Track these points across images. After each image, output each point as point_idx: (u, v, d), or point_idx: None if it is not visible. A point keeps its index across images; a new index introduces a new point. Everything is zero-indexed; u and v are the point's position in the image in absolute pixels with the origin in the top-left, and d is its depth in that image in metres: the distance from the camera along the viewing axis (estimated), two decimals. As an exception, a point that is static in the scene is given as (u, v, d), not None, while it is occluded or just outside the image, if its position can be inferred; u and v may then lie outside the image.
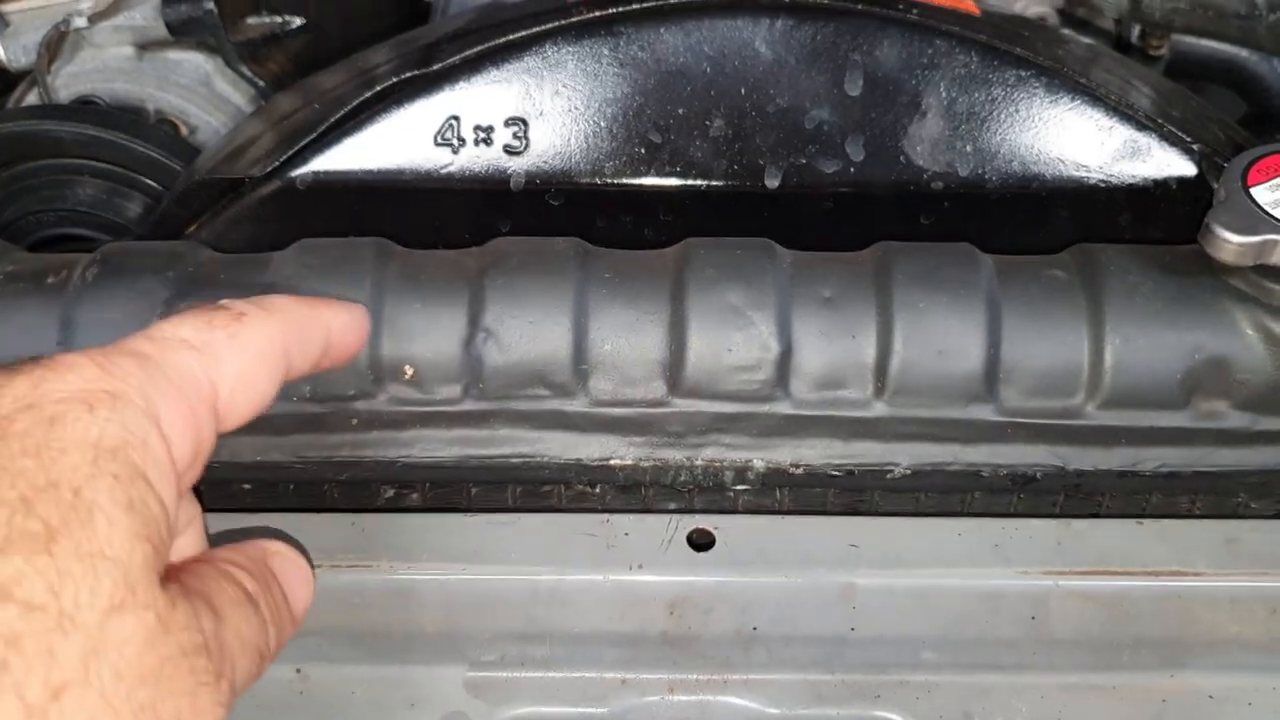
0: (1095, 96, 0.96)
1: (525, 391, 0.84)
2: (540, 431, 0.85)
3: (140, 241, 0.95)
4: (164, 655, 0.48)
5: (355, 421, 0.85)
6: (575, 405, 0.85)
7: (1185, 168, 0.96)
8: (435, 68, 0.97)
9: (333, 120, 0.97)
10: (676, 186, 0.97)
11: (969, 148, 0.96)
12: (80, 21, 1.25)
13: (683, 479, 0.86)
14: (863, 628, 0.84)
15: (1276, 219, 0.80)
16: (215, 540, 0.64)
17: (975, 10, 1.07)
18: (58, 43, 1.28)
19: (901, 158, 0.96)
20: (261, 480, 0.87)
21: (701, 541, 0.86)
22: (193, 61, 1.32)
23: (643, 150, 0.96)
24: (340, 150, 0.97)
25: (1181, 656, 0.85)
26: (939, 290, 0.83)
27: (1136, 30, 1.42)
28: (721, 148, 0.96)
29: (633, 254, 0.87)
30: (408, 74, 0.97)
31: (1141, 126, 0.96)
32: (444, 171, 0.97)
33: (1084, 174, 0.96)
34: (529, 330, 0.83)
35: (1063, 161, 0.96)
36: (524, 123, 0.96)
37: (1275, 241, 0.79)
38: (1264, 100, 1.46)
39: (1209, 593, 0.84)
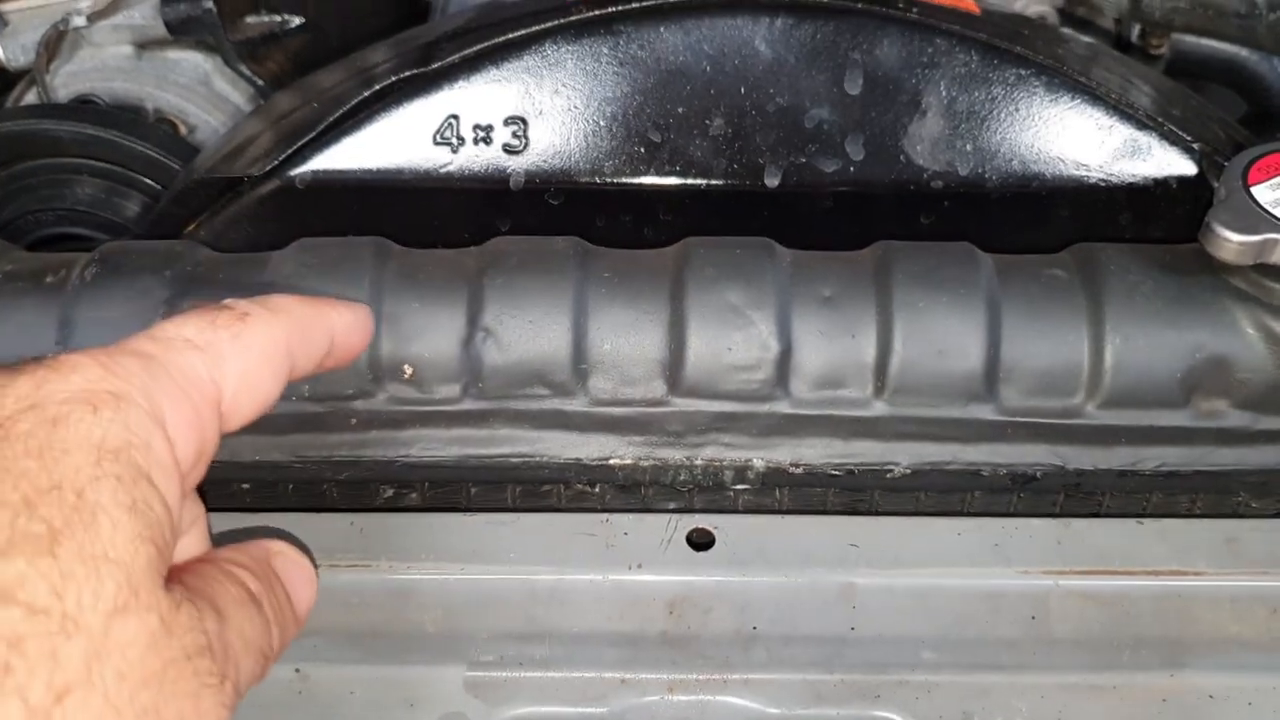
0: (1095, 95, 0.96)
1: (524, 391, 0.84)
2: (539, 431, 0.85)
3: (138, 241, 0.95)
4: (167, 657, 0.48)
5: (354, 421, 0.85)
6: (575, 405, 0.85)
7: (1185, 167, 0.96)
8: (434, 66, 0.97)
9: (331, 119, 0.97)
10: (676, 185, 0.97)
11: (969, 147, 0.96)
12: (79, 20, 1.25)
13: (682, 478, 0.86)
14: (862, 627, 0.84)
15: (1277, 218, 0.80)
16: (218, 540, 0.64)
17: (975, 9, 1.06)
18: (56, 42, 1.28)
19: (901, 157, 0.96)
20: (260, 480, 0.87)
21: (701, 541, 0.86)
22: (191, 60, 1.32)
23: (642, 149, 0.96)
24: (339, 149, 0.97)
25: (1181, 656, 0.85)
26: (939, 289, 0.83)
27: (1137, 29, 1.42)
28: (721, 147, 0.96)
29: (632, 253, 0.87)
30: (407, 73, 0.97)
31: (1142, 125, 0.96)
32: (443, 171, 0.96)
33: (1084, 173, 0.96)
34: (528, 329, 0.83)
35: (1063, 160, 0.96)
36: (523, 122, 0.96)
37: (1276, 240, 0.79)
38: (1264, 99, 1.46)
39: (1209, 592, 0.84)
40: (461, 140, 0.96)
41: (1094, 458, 0.84)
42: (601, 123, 0.96)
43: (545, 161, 0.96)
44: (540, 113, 0.96)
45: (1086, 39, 1.37)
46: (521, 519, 0.86)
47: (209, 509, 0.65)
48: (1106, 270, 0.84)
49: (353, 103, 0.97)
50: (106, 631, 0.46)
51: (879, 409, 0.84)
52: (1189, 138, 0.96)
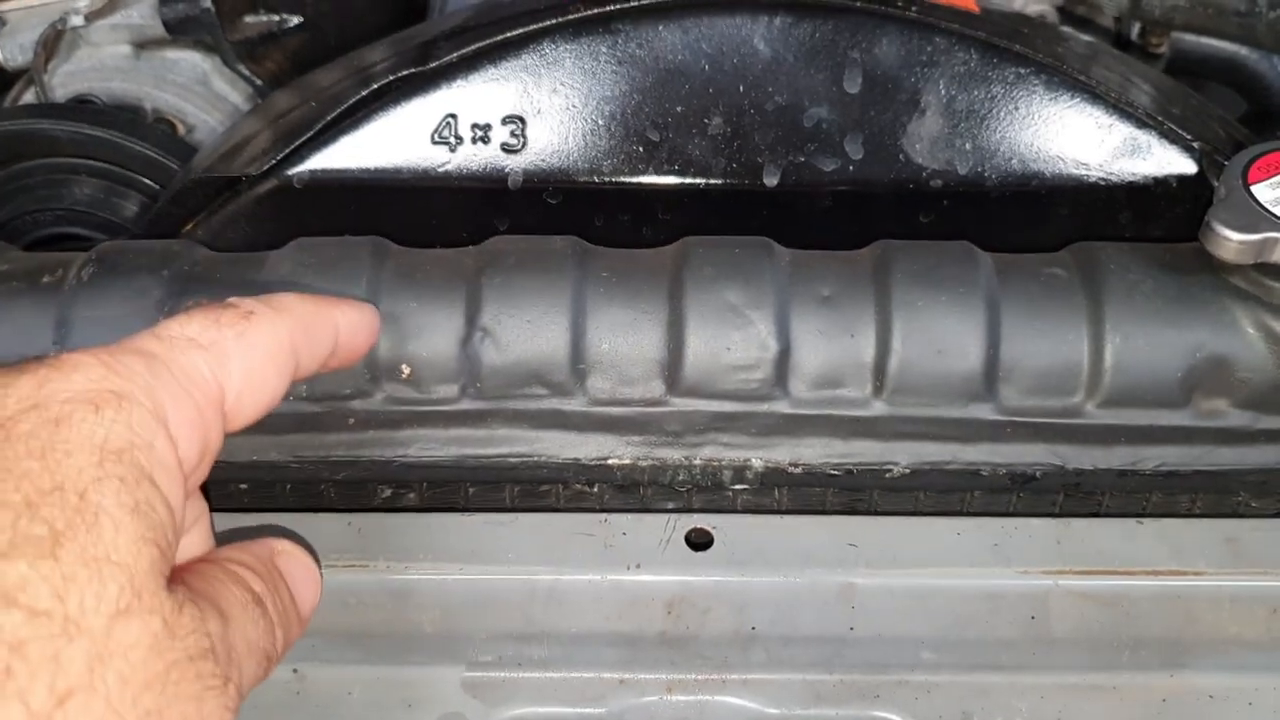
0: (1095, 94, 0.96)
1: (523, 391, 0.84)
2: (538, 431, 0.85)
3: (136, 240, 0.94)
4: (170, 660, 0.48)
5: (352, 421, 0.84)
6: (573, 404, 0.84)
7: (1185, 165, 0.96)
8: (432, 65, 0.97)
9: (329, 118, 0.97)
10: (675, 185, 0.97)
11: (968, 145, 0.96)
12: (77, 20, 1.25)
13: (681, 478, 0.86)
14: (862, 627, 0.84)
15: (1277, 217, 0.80)
16: (222, 539, 0.64)
17: (974, 7, 1.06)
18: (54, 41, 1.28)
19: (900, 156, 0.96)
20: (258, 480, 0.87)
21: (700, 541, 0.86)
22: (190, 60, 1.32)
23: (641, 148, 0.96)
24: (337, 148, 0.97)
25: (1181, 656, 0.85)
26: (938, 289, 0.83)
27: (1136, 28, 1.42)
28: (720, 146, 0.96)
29: (631, 253, 0.86)
30: (405, 72, 0.97)
31: (1141, 124, 0.96)
32: (441, 170, 0.96)
33: (1084, 172, 0.96)
34: (526, 329, 0.82)
35: (1062, 159, 0.96)
36: (522, 121, 0.96)
37: (1276, 239, 0.79)
38: (1264, 98, 1.46)
39: (1209, 592, 0.84)
40: (459, 139, 0.96)
41: (1094, 457, 0.84)
42: (600, 122, 0.96)
43: (543, 161, 0.96)
44: (539, 112, 0.96)
45: (1086, 37, 1.37)
46: (520, 519, 0.86)
47: (206, 509, 0.65)
48: (1106, 269, 0.84)
49: (350, 102, 0.97)
50: (109, 634, 0.46)
51: (878, 408, 0.84)
52: (1189, 136, 0.96)
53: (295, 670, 0.85)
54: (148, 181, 1.17)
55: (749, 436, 0.85)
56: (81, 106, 1.25)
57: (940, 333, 0.82)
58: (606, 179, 0.96)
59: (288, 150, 0.96)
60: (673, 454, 0.85)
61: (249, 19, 1.28)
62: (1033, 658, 0.85)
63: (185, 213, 1.00)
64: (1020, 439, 0.84)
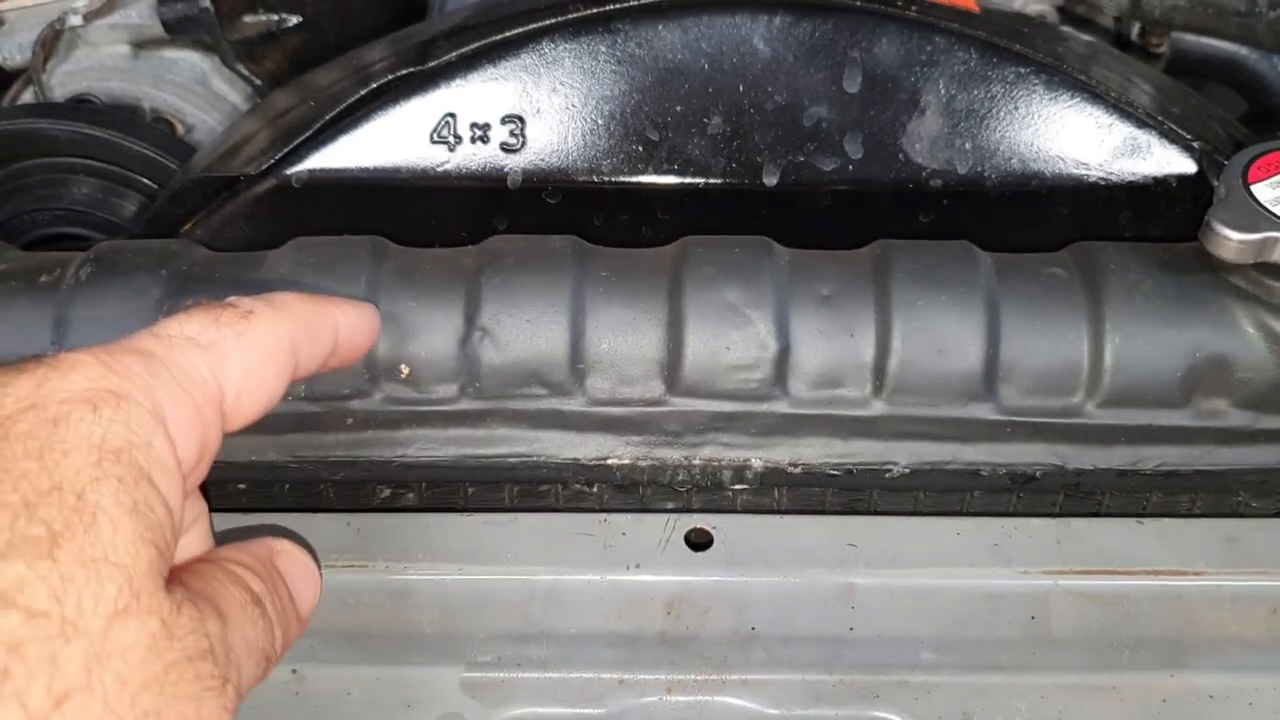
0: (1095, 94, 0.96)
1: (522, 390, 0.84)
2: (537, 431, 0.85)
3: (134, 240, 0.94)
4: (168, 661, 0.48)
5: (351, 421, 0.84)
6: (572, 404, 0.84)
7: (1185, 165, 0.96)
8: (431, 65, 0.97)
9: (328, 118, 0.96)
10: (674, 184, 0.97)
11: (968, 145, 0.96)
12: (75, 20, 1.25)
13: (680, 478, 0.86)
14: (861, 628, 0.84)
15: (1277, 216, 0.80)
16: (221, 539, 0.64)
17: (974, 7, 1.06)
18: (53, 41, 1.28)
19: (900, 155, 0.96)
20: (256, 480, 0.87)
21: (699, 541, 0.85)
22: (189, 60, 1.32)
23: (640, 148, 0.96)
24: (336, 148, 0.96)
25: (1181, 656, 0.85)
26: (938, 288, 0.83)
27: (1136, 27, 1.42)
28: (719, 145, 0.96)
29: (630, 252, 0.86)
30: (404, 71, 0.97)
31: (1141, 124, 0.95)
32: (440, 169, 0.96)
33: (1084, 171, 0.96)
34: (526, 329, 0.82)
35: (1062, 159, 0.96)
36: (521, 120, 0.96)
37: (1276, 239, 0.79)
38: (1264, 98, 1.46)
39: (1209, 592, 0.84)
40: (459, 139, 0.96)
41: (1094, 457, 0.84)
42: (599, 121, 0.96)
43: (543, 160, 0.96)
44: (538, 111, 0.96)
45: (1086, 37, 1.37)
46: (519, 519, 0.86)
47: (206, 509, 0.65)
48: (1106, 269, 0.84)
49: (349, 101, 0.97)
50: (107, 635, 0.46)
51: (878, 408, 0.84)
52: (1189, 136, 0.96)
53: (294, 670, 0.85)
54: (146, 181, 1.17)
55: (749, 436, 0.85)
56: (80, 106, 1.25)
57: (940, 332, 0.82)
58: (606, 178, 0.96)
59: (286, 150, 0.96)
60: (672, 454, 0.85)
61: (248, 18, 1.28)
62: (1033, 658, 0.85)
63: (184, 212, 0.99)
64: (1020, 439, 0.84)
